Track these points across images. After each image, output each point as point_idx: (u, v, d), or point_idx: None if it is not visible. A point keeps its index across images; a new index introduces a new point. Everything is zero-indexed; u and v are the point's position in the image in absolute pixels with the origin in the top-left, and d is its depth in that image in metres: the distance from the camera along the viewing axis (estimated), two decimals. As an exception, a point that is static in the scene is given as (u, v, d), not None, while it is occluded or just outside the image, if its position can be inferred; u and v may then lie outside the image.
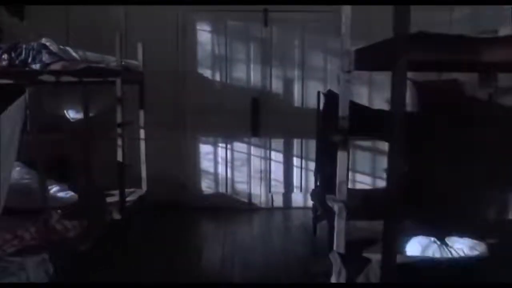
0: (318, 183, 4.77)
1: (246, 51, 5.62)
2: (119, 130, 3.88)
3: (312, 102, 5.41)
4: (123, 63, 4.15)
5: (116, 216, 3.93)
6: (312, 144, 5.37)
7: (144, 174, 4.75)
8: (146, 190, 4.73)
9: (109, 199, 4.15)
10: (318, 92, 4.82)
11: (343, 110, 2.77)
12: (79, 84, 3.75)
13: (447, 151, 3.56)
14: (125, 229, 4.01)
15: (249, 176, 5.76)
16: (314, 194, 4.73)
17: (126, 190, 4.43)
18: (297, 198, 5.82)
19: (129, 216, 4.12)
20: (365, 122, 3.38)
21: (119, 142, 3.92)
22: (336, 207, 2.75)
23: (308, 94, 5.65)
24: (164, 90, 5.48)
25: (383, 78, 5.39)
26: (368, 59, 2.50)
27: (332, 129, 3.73)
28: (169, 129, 5.55)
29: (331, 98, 4.04)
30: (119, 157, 3.93)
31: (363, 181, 5.62)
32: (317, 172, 4.73)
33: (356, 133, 3.32)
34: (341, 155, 2.79)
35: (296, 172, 5.80)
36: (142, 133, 4.76)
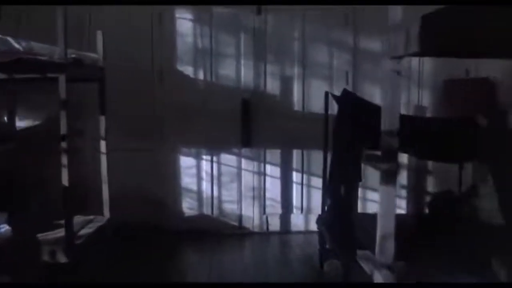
0: (327, 207, 3.79)
1: (236, 44, 4.72)
2: (63, 144, 2.89)
3: (315, 105, 4.61)
4: (73, 55, 3.16)
5: (61, 258, 2.93)
6: (316, 155, 4.56)
7: (106, 196, 3.74)
8: (108, 218, 3.72)
9: (54, 235, 3.16)
10: (326, 93, 3.86)
11: (390, 119, 1.78)
12: (7, 81, 2.78)
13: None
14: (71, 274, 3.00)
15: (240, 194, 4.88)
16: (322, 221, 3.76)
17: (82, 218, 3.49)
18: (297, 221, 4.92)
19: (79, 255, 3.12)
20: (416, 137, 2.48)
21: (64, 159, 2.93)
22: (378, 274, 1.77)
23: (310, 95, 4.77)
24: (135, 90, 4.58)
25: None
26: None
27: (352, 140, 2.84)
28: (142, 139, 4.65)
29: (347, 100, 3.07)
30: (64, 179, 2.94)
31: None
32: (328, 193, 3.71)
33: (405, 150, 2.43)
34: (387, 183, 1.80)
35: (296, 189, 4.89)
36: (103, 145, 3.75)
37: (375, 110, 2.20)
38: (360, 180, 3.25)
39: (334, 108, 3.86)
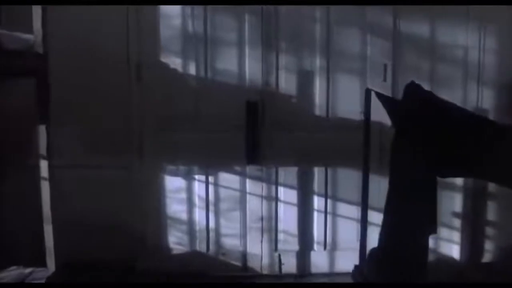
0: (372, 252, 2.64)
1: (238, 30, 3.66)
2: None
3: (344, 108, 3.65)
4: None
5: None
6: (345, 175, 3.66)
7: (50, 244, 2.69)
8: (54, 271, 2.63)
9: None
10: (368, 91, 2.77)
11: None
12: None
13: None
14: None
15: (244, 225, 3.82)
16: (362, 273, 2.62)
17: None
18: (319, 260, 3.84)
19: None
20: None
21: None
22: None
23: (336, 94, 3.70)
24: (101, 89, 3.56)
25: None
26: None
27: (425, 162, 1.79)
28: (112, 153, 3.63)
29: (418, 99, 1.95)
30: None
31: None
32: (387, 231, 2.50)
33: None
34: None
35: (317, 219, 3.83)
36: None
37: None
38: (435, 232, 2.15)
39: (378, 111, 2.84)
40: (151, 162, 3.71)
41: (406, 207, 2.03)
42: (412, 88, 2.19)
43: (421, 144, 1.95)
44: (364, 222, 2.88)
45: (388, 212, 2.24)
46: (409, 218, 2.02)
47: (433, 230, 2.13)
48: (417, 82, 2.43)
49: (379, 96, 2.60)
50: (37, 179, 3.10)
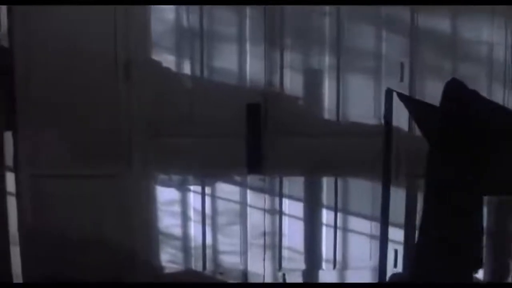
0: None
1: (238, 24, 3.31)
2: None
3: (357, 111, 3.31)
4: None
5: None
6: (358, 186, 3.35)
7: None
8: None
9: None
10: (388, 91, 2.41)
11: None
12: None
13: None
14: None
15: (244, 241, 3.46)
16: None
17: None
18: (328, 280, 3.48)
19: None
20: None
21: None
22: None
23: (347, 96, 3.34)
24: (87, 90, 3.22)
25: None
26: None
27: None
28: (99, 161, 3.29)
29: (462, 99, 1.60)
30: None
31: None
32: (420, 257, 2.13)
33: None
34: None
35: (326, 235, 3.46)
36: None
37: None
38: (480, 267, 1.79)
39: (400, 115, 2.49)
40: (141, 170, 3.35)
41: (444, 232, 1.66)
42: (453, 87, 1.83)
43: (464, 154, 1.59)
44: (384, 239, 2.53)
45: (423, 235, 1.88)
46: (448, 248, 1.66)
47: (478, 265, 1.76)
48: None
49: (402, 97, 2.25)
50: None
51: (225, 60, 3.30)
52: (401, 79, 3.24)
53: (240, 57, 3.30)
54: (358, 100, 3.26)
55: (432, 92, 2.97)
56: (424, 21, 3.26)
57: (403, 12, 3.25)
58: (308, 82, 3.34)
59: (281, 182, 3.38)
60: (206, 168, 3.37)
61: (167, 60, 3.30)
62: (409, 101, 2.34)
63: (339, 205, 3.40)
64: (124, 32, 3.23)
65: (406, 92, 3.19)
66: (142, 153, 3.32)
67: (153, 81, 3.28)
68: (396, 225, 3.14)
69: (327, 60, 3.30)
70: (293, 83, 3.32)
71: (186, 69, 3.31)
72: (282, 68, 3.29)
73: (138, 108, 3.28)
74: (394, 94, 2.39)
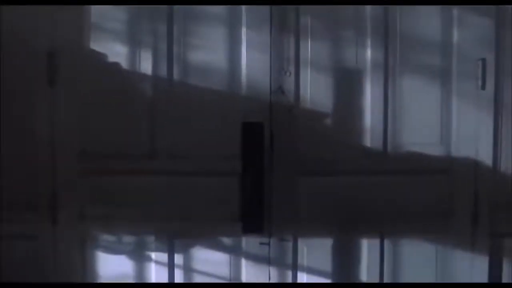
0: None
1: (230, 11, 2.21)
2: None
3: (414, 135, 2.24)
4: None
5: None
6: (415, 248, 2.26)
7: None
8: None
9: None
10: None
11: None
12: None
13: None
14: None
15: None
16: None
17: None
18: None
19: None
20: None
21: None
22: None
23: (398, 113, 2.25)
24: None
25: None
26: None
27: None
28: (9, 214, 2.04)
29: None
30: None
31: None
32: None
33: None
34: None
35: None
36: None
37: None
38: None
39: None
40: (72, 227, 2.14)
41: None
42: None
43: None
44: None
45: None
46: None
47: None
48: None
49: None
50: None
51: (210, 57, 2.17)
52: (483, 86, 2.13)
53: (233, 55, 2.17)
54: (417, 119, 2.14)
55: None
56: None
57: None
58: (336, 93, 2.21)
59: (295, 247, 2.20)
60: (176, 224, 2.18)
61: (117, 54, 2.16)
62: None
63: (385, 276, 2.22)
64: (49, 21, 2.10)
65: (491, 102, 2.11)
66: (74, 200, 2.13)
67: (94, 87, 2.12)
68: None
69: (369, 57, 2.17)
70: (314, 90, 2.18)
71: (147, 67, 2.16)
72: (297, 66, 2.15)
73: (68, 129, 2.10)
74: None
